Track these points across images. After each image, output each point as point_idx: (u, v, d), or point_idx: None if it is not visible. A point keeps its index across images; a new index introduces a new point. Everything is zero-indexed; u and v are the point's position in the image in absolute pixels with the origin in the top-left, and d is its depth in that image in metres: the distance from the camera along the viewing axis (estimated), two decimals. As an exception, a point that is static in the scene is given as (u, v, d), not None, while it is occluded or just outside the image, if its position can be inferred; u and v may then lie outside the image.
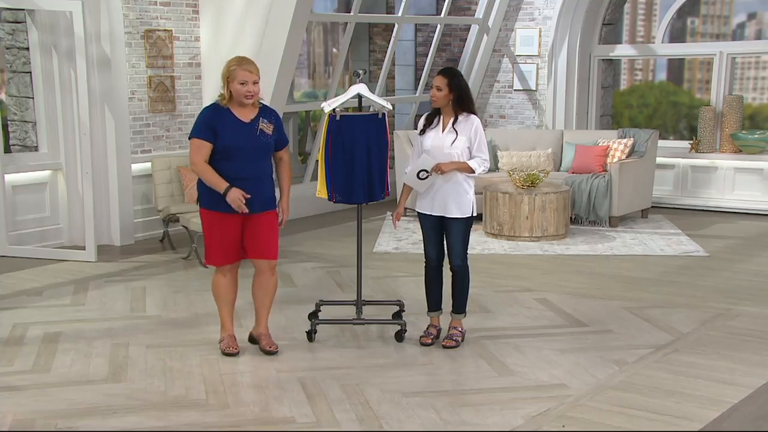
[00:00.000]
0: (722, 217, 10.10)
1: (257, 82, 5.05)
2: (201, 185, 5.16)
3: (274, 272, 5.33)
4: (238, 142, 5.04)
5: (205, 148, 5.05)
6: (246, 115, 5.10)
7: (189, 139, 5.14)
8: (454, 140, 5.35)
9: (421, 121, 5.55)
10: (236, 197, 4.99)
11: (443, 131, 5.40)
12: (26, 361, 5.26)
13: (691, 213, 10.37)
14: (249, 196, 5.04)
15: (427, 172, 5.35)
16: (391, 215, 5.65)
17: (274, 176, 5.33)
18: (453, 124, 5.38)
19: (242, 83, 5.01)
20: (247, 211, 5.05)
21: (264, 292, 5.34)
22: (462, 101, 5.38)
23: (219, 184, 5.02)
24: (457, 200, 5.38)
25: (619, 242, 8.70)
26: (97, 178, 8.19)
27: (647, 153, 9.86)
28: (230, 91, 5.04)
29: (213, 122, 5.05)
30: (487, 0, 11.33)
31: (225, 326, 5.39)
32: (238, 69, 5.01)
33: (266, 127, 5.13)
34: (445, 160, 5.33)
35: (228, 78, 5.04)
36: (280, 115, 5.67)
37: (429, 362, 5.28)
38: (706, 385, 4.86)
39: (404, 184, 5.56)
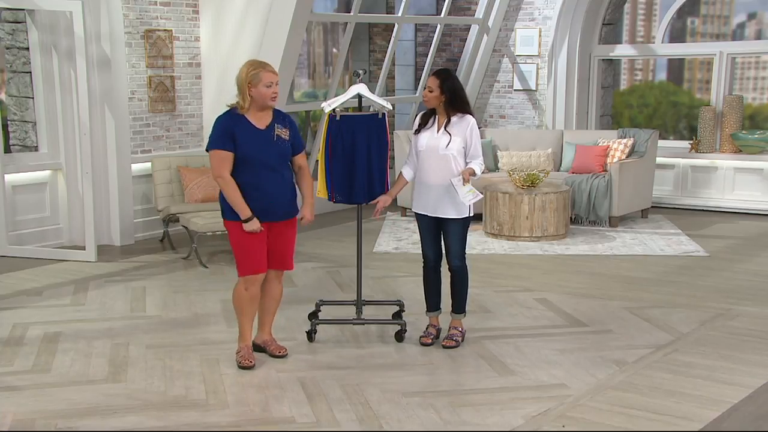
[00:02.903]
0: (722, 217, 10.10)
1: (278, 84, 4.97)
2: (223, 198, 5.00)
3: (281, 280, 5.26)
4: (257, 151, 4.90)
5: (229, 159, 4.90)
6: (261, 122, 4.95)
7: (207, 150, 4.96)
8: (449, 142, 5.34)
9: (417, 120, 5.54)
10: (253, 230, 4.92)
11: (438, 132, 5.40)
12: (26, 361, 5.26)
13: (691, 213, 10.37)
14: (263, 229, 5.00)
15: (462, 183, 5.30)
16: (382, 214, 5.57)
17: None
18: (446, 127, 5.38)
19: (268, 86, 4.86)
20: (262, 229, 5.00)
21: (271, 300, 5.27)
22: (454, 103, 5.36)
23: (242, 209, 4.90)
24: (454, 201, 5.37)
25: (619, 242, 8.70)
26: (97, 178, 8.18)
27: (647, 153, 9.86)
28: (251, 97, 4.89)
29: (231, 130, 4.89)
30: (487, 0, 11.33)
31: (244, 337, 5.20)
32: (263, 71, 4.86)
33: (282, 132, 5.00)
34: (440, 162, 5.34)
35: (249, 83, 4.86)
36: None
37: (429, 362, 5.27)
38: (706, 385, 4.86)
39: (399, 175, 5.54)
